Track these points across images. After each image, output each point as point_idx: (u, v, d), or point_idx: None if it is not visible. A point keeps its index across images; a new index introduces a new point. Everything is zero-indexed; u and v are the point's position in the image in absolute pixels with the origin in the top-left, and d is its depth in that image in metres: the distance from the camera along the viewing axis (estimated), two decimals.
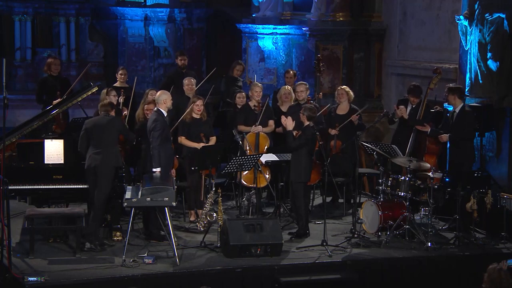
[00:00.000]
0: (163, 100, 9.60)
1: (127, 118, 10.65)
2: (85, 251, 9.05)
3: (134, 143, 10.02)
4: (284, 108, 11.19)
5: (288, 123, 9.64)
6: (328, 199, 11.33)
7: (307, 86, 11.17)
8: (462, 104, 10.14)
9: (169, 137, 9.64)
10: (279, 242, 9.10)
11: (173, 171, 9.83)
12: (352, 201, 10.65)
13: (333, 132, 10.96)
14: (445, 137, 10.13)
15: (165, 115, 9.60)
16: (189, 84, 11.20)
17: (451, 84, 10.59)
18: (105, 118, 9.31)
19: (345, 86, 11.37)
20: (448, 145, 10.44)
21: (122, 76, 11.81)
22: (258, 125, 10.77)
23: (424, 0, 13.25)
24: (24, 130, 9.67)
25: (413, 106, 10.59)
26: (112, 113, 9.36)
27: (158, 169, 9.44)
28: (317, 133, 10.54)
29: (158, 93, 9.84)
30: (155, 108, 9.68)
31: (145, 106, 10.23)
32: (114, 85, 11.75)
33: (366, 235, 9.78)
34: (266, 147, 10.71)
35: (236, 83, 12.81)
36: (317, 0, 14.53)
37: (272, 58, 16.07)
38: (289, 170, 9.80)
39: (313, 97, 12.00)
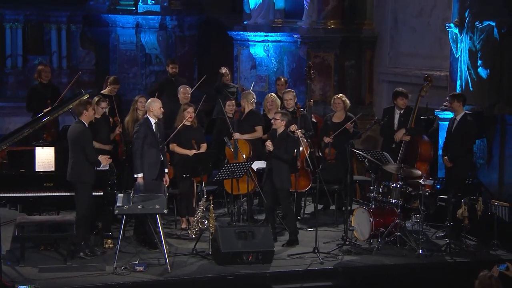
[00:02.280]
0: (150, 107, 9.66)
1: (121, 126, 10.64)
2: (78, 258, 9.02)
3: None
4: (271, 116, 11.19)
5: (268, 145, 9.64)
6: (320, 206, 11.34)
7: (295, 93, 11.19)
8: (463, 112, 10.16)
9: (155, 144, 9.61)
10: (271, 249, 9.09)
11: (167, 179, 9.80)
12: (343, 208, 10.66)
13: (327, 140, 10.98)
14: (446, 160, 10.12)
15: (153, 123, 9.60)
16: (185, 92, 11.22)
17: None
18: (75, 128, 9.15)
19: (341, 95, 11.35)
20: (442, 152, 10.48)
21: (115, 91, 11.68)
22: (236, 132, 10.75)
23: (415, 8, 13.30)
24: (15, 137, 9.59)
25: (401, 112, 10.60)
26: (85, 114, 9.12)
27: (140, 175, 9.43)
28: (309, 140, 10.60)
29: (148, 100, 9.86)
30: (145, 116, 9.71)
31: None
32: (102, 92, 11.67)
33: (357, 242, 9.79)
34: (245, 154, 10.59)
35: (227, 90, 12.77)
36: (309, 7, 14.58)
37: (264, 65, 16.10)
38: (271, 178, 9.73)
39: (304, 104, 12.01)
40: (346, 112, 11.13)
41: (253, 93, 11.38)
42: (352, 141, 10.30)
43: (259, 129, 10.96)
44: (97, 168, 9.19)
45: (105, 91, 11.67)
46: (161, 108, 9.72)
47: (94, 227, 9.67)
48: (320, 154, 11.25)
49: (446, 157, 10.11)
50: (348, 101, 11.20)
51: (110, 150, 10.34)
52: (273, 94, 11.48)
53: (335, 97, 11.33)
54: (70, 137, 9.18)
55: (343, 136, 10.85)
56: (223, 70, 12.84)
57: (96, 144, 10.02)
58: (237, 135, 10.68)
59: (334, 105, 11.16)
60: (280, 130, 9.78)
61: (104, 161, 9.25)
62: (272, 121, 9.90)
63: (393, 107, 10.81)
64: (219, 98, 12.07)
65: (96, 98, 10.22)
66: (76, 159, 9.09)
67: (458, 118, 10.14)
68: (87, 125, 9.16)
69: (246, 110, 11.01)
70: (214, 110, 12.94)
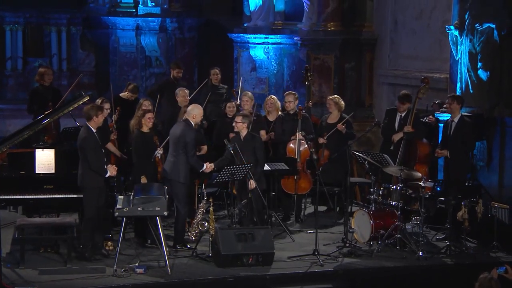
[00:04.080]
0: (193, 114, 9.59)
1: (115, 133, 10.61)
2: (84, 259, 9.02)
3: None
4: (271, 118, 11.21)
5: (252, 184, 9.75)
6: (323, 208, 11.35)
7: (296, 95, 11.17)
8: (460, 114, 10.16)
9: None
10: (271, 251, 9.09)
11: None
12: (342, 210, 10.65)
13: (321, 141, 10.98)
14: (445, 152, 10.14)
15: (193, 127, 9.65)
16: (185, 95, 11.21)
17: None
18: (81, 134, 9.13)
19: (334, 96, 11.35)
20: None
21: (133, 98, 11.64)
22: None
23: (415, 10, 13.31)
24: (15, 139, 9.62)
25: (402, 115, 10.61)
26: (94, 120, 9.06)
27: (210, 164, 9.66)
28: (309, 142, 10.60)
29: (191, 106, 9.81)
30: (184, 118, 9.66)
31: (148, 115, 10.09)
32: (121, 94, 11.66)
33: (357, 244, 9.78)
34: None
35: (216, 91, 12.68)
36: (309, 9, 14.59)
37: (264, 67, 16.11)
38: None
39: (304, 106, 12.01)
40: (341, 113, 11.13)
41: (251, 93, 11.40)
42: (352, 143, 10.30)
43: (262, 133, 10.96)
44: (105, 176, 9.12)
45: (123, 94, 11.67)
46: (202, 117, 9.78)
47: (92, 233, 9.61)
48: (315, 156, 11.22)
49: (443, 150, 10.11)
50: (342, 102, 11.18)
51: (120, 156, 10.36)
52: (273, 96, 11.49)
53: (328, 98, 11.34)
54: (77, 142, 9.18)
55: (337, 137, 10.84)
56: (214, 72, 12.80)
57: (112, 148, 10.14)
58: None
59: (328, 106, 11.17)
60: (243, 132, 9.80)
61: (113, 171, 9.19)
62: (234, 124, 9.89)
63: (395, 109, 10.82)
64: (207, 99, 12.01)
65: (98, 100, 10.20)
66: (83, 164, 9.08)
67: (455, 120, 10.14)
68: (94, 131, 9.10)
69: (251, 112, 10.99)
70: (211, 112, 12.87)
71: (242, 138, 9.84)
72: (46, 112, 10.47)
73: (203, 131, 10.99)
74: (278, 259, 9.21)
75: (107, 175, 9.13)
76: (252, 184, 9.67)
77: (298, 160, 10.44)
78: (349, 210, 10.42)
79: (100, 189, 9.10)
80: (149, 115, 9.88)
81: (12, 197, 9.42)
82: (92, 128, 9.10)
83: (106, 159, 9.44)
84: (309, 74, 12.09)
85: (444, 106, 11.01)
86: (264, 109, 11.41)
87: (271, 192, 10.51)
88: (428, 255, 9.44)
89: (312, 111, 11.95)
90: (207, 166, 9.71)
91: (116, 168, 9.31)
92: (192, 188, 10.16)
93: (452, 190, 9.88)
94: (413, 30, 13.33)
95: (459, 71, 10.89)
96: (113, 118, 10.64)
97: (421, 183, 9.56)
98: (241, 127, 9.80)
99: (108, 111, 10.31)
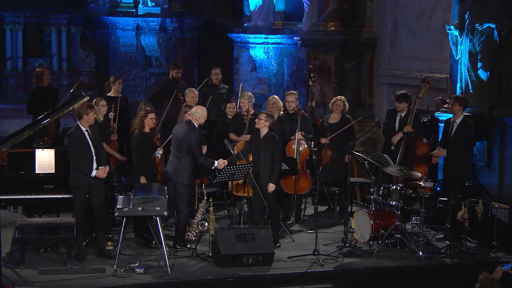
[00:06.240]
0: (198, 116, 9.54)
1: (115, 135, 10.59)
2: (82, 259, 9.03)
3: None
4: None
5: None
6: (323, 208, 11.35)
7: (297, 95, 11.14)
8: (462, 116, 10.15)
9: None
10: (271, 251, 9.09)
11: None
12: (342, 210, 10.65)
13: (324, 141, 10.96)
14: (442, 152, 10.14)
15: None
16: (194, 96, 11.20)
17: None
18: (69, 130, 9.19)
19: (343, 97, 11.30)
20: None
21: (121, 85, 11.67)
22: (247, 134, 10.75)
23: (415, 10, 13.32)
24: (15, 139, 9.62)
25: (402, 115, 10.60)
26: (85, 119, 9.02)
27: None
28: (310, 142, 10.60)
29: (195, 108, 9.76)
30: (187, 120, 9.62)
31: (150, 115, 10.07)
32: (108, 94, 11.66)
33: (357, 244, 9.79)
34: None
35: (215, 91, 12.65)
36: (309, 9, 14.60)
37: (264, 67, 16.11)
38: (259, 179, 9.64)
39: (305, 106, 12.01)
40: (343, 114, 11.11)
41: (250, 93, 11.39)
42: (352, 143, 10.29)
43: None
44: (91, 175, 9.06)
45: (110, 93, 11.63)
46: (205, 118, 9.71)
47: (84, 232, 9.59)
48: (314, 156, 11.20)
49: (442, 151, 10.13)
50: (347, 104, 11.19)
51: (119, 158, 10.35)
52: (275, 96, 11.47)
53: (337, 98, 11.22)
54: None
55: (339, 137, 10.80)
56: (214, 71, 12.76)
57: (109, 150, 10.09)
58: (247, 137, 10.64)
59: (334, 106, 11.08)
60: (264, 131, 9.69)
61: (101, 174, 9.06)
62: (256, 120, 9.84)
63: (396, 109, 10.81)
64: (210, 99, 12.01)
65: (97, 99, 10.18)
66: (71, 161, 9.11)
67: (457, 121, 10.13)
68: (84, 129, 9.06)
69: (251, 111, 10.96)
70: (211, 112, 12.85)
71: (261, 137, 9.71)
72: (46, 112, 10.48)
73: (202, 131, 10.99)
74: (278, 259, 9.21)
75: (93, 175, 9.04)
76: (270, 187, 9.60)
77: (297, 160, 10.43)
78: (349, 210, 10.42)
79: (92, 188, 9.06)
80: (151, 115, 9.89)
81: (12, 197, 9.43)
82: (82, 127, 9.08)
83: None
84: (312, 74, 12.08)
85: (445, 106, 11.02)
86: (266, 109, 11.40)
87: None
88: (428, 255, 9.45)
89: (314, 111, 11.93)
90: (220, 163, 9.56)
91: (107, 171, 9.16)
92: (192, 188, 10.16)
93: (452, 190, 9.89)
94: (413, 30, 13.34)
95: (459, 71, 10.90)
96: (110, 116, 10.60)
97: (421, 183, 9.56)
98: (263, 124, 9.63)
99: (105, 106, 10.27)
